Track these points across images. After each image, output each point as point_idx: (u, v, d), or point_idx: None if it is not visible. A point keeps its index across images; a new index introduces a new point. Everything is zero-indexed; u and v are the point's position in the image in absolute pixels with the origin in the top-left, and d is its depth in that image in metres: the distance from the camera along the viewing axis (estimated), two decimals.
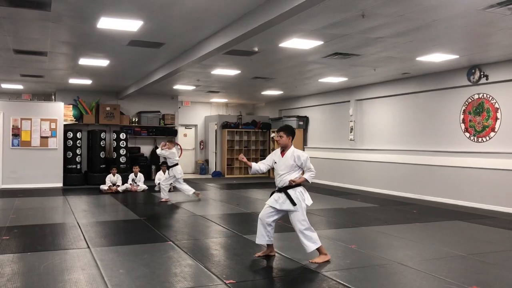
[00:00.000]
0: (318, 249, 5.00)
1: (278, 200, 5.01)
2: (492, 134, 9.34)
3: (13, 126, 12.64)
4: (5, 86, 13.52)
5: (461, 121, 10.05)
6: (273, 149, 17.05)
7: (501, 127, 9.16)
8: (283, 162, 5.10)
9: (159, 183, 11.53)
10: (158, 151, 10.16)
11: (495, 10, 5.68)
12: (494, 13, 5.81)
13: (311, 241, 4.97)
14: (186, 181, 14.74)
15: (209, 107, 18.73)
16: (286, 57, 8.97)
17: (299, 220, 4.96)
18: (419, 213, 8.69)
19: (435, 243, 6.07)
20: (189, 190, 10.10)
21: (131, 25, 6.61)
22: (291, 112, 16.72)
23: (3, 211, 8.46)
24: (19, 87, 13.74)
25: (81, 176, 13.53)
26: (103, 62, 9.62)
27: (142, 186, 11.87)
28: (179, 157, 10.25)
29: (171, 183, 10.17)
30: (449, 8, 5.69)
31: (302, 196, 5.00)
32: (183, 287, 4.15)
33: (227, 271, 4.67)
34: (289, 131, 5.22)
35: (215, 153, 17.67)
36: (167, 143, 10.19)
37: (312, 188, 13.16)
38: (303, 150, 15.86)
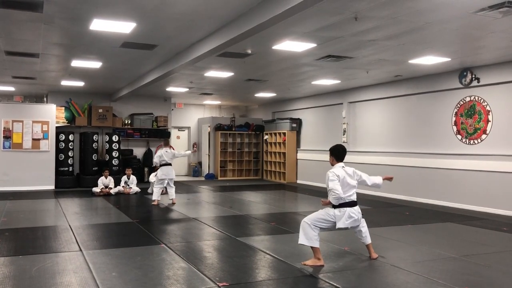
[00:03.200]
0: (313, 251, 4.98)
1: None
2: (483, 136, 9.40)
3: (4, 128, 12.54)
4: None
5: (453, 124, 10.12)
6: (266, 151, 17.18)
7: (493, 130, 9.23)
8: None
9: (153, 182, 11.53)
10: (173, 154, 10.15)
11: (487, 13, 5.73)
12: (486, 16, 5.86)
13: (304, 236, 4.99)
14: (179, 183, 14.74)
15: (202, 109, 18.71)
16: (279, 60, 8.99)
17: (313, 215, 5.07)
18: (411, 215, 8.73)
19: (427, 245, 6.10)
20: (156, 194, 9.87)
21: (124, 27, 6.59)
22: (285, 114, 16.74)
23: None
24: (11, 89, 13.64)
25: (73, 178, 13.44)
26: (96, 64, 9.58)
27: (134, 188, 11.82)
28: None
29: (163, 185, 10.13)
30: (441, 11, 5.73)
31: (334, 215, 5.00)
32: None
33: (220, 273, 4.66)
34: (331, 151, 5.29)
35: (208, 155, 17.64)
36: (162, 144, 10.36)
37: (305, 190, 13.21)
38: (296, 152, 15.90)
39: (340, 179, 5.00)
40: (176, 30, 6.89)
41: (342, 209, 4.99)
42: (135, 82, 11.82)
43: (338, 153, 5.26)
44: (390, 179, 5.64)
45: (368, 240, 5.29)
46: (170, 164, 10.00)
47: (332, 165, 5.23)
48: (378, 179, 5.45)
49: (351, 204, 5.05)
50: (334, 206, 5.02)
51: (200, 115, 18.59)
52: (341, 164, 5.20)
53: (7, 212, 8.53)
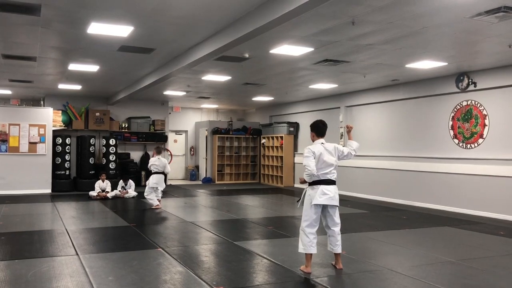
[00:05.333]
0: (306, 256, 4.95)
1: None
2: (480, 140, 9.43)
3: (1, 131, 12.51)
4: None
5: (450, 128, 10.14)
6: (264, 155, 17.18)
7: (489, 134, 9.26)
8: None
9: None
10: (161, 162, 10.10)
11: (483, 18, 5.76)
12: (482, 21, 5.89)
13: (300, 243, 4.95)
14: (176, 187, 14.72)
15: (200, 112, 18.71)
16: (277, 64, 9.00)
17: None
18: (409, 219, 8.73)
19: (424, 249, 6.10)
20: (152, 199, 9.87)
21: (121, 30, 6.59)
22: (282, 118, 16.75)
23: None
24: (8, 92, 13.62)
25: (70, 182, 13.41)
26: (93, 68, 9.57)
27: (132, 193, 11.78)
28: (169, 162, 10.12)
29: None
30: (438, 16, 5.76)
31: (307, 197, 4.96)
32: None
33: (217, 277, 4.65)
34: (311, 127, 5.19)
35: (206, 159, 17.63)
36: (154, 151, 10.28)
37: (301, 194, 13.16)
38: (294, 156, 15.91)
39: (316, 156, 4.86)
40: (174, 34, 6.89)
41: (315, 186, 4.86)
42: (132, 85, 11.81)
43: (318, 128, 5.12)
44: (349, 129, 5.57)
45: (339, 250, 5.05)
46: (162, 173, 10.01)
47: (313, 141, 5.10)
48: (354, 143, 5.29)
49: (327, 182, 4.87)
50: (309, 184, 4.93)
51: (197, 118, 18.58)
52: (321, 140, 5.05)
53: (3, 216, 8.49)
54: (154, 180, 9.89)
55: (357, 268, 5.09)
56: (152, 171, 9.97)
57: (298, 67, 9.31)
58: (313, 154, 4.87)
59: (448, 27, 6.27)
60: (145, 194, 9.96)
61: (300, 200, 5.14)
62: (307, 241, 4.87)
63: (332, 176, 4.94)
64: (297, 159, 15.81)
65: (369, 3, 5.31)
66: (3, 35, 7.03)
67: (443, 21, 5.97)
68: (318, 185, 4.86)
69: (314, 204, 4.85)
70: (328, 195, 4.85)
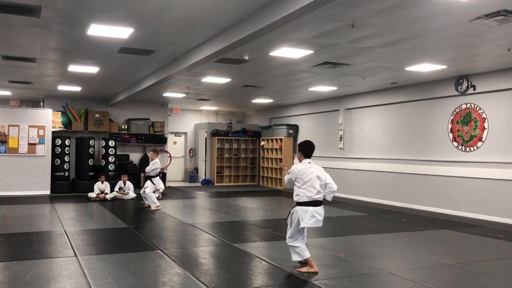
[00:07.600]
0: (306, 260, 5.00)
1: None
2: (479, 143, 9.44)
3: (0, 132, 12.49)
4: None
5: (449, 131, 10.15)
6: (263, 157, 17.19)
7: (488, 137, 9.27)
8: None
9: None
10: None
11: (482, 21, 5.77)
12: (482, 24, 5.91)
13: (294, 253, 5.08)
14: (175, 189, 14.71)
15: (199, 114, 18.72)
16: (276, 66, 9.01)
17: (288, 233, 5.11)
18: (408, 222, 8.73)
19: (423, 252, 6.10)
20: (154, 203, 9.92)
21: (121, 32, 6.60)
22: (281, 120, 16.76)
23: None
24: (7, 93, 13.61)
25: (69, 183, 13.39)
26: (93, 69, 9.57)
27: (131, 194, 11.78)
28: (168, 164, 10.20)
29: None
30: (437, 19, 5.77)
31: (294, 215, 5.03)
32: None
33: (216, 280, 4.64)
34: (299, 147, 5.25)
35: (205, 161, 17.62)
36: (151, 153, 10.35)
37: None
38: (293, 158, 15.91)
39: (295, 176, 4.97)
40: (174, 36, 6.90)
41: (304, 208, 4.93)
42: (132, 87, 11.81)
43: (305, 149, 5.17)
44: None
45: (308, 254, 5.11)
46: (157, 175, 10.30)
47: (300, 161, 5.17)
48: (334, 186, 5.18)
49: (315, 203, 4.94)
50: (297, 204, 4.99)
51: (197, 120, 18.59)
52: (307, 160, 5.12)
53: (2, 217, 8.48)
54: (157, 182, 10.18)
55: (355, 271, 5.09)
56: (156, 174, 10.19)
57: (298, 69, 9.32)
58: (294, 175, 5.00)
59: (448, 31, 6.28)
60: (149, 194, 9.98)
61: (288, 219, 5.17)
62: (300, 250, 5.03)
63: (320, 197, 5.02)
64: (296, 161, 15.78)
65: (368, 6, 5.32)
66: (3, 36, 7.03)
67: (442, 24, 5.99)
68: (308, 207, 4.94)
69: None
70: (316, 217, 4.95)
